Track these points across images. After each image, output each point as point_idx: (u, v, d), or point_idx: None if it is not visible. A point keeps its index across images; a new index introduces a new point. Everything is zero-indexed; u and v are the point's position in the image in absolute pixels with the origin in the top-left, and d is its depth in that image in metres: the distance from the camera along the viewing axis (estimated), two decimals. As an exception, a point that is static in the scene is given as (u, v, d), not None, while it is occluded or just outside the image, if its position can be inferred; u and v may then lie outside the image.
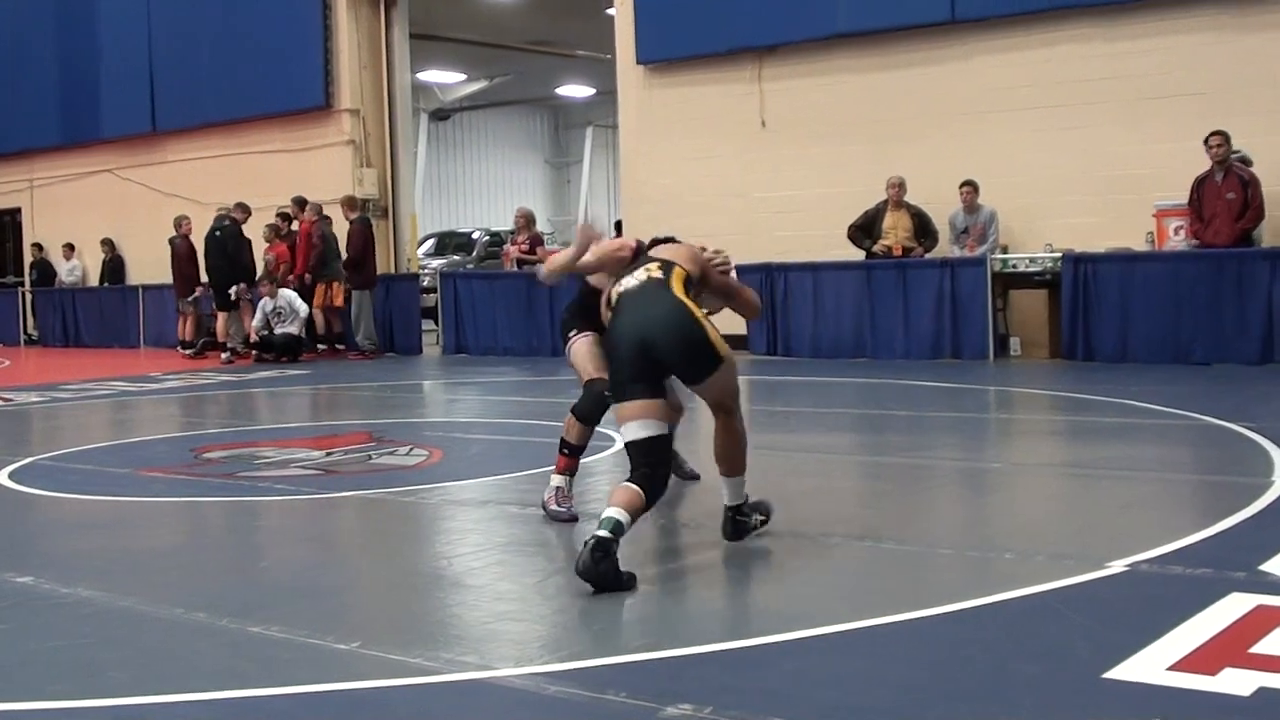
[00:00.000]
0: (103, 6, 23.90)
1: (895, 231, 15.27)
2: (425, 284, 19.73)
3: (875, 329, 15.03)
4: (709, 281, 5.94)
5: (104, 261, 23.90)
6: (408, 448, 9.08)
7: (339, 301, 18.43)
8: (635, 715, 3.66)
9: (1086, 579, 4.95)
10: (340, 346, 18.70)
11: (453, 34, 27.24)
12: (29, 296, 24.98)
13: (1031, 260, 14.46)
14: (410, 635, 4.54)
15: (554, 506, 6.42)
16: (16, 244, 26.81)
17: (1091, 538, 5.85)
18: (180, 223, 20.01)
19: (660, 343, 5.37)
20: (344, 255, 18.32)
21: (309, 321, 18.24)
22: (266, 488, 7.66)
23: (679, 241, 6.13)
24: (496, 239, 26.38)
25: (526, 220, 18.44)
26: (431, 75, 32.98)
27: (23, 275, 25.97)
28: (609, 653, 4.30)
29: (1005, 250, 14.85)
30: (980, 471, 8.19)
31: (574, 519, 6.31)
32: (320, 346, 18.63)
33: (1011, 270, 14.53)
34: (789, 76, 16.91)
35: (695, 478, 7.27)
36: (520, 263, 18.08)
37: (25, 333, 24.49)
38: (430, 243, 28.05)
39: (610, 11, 18.88)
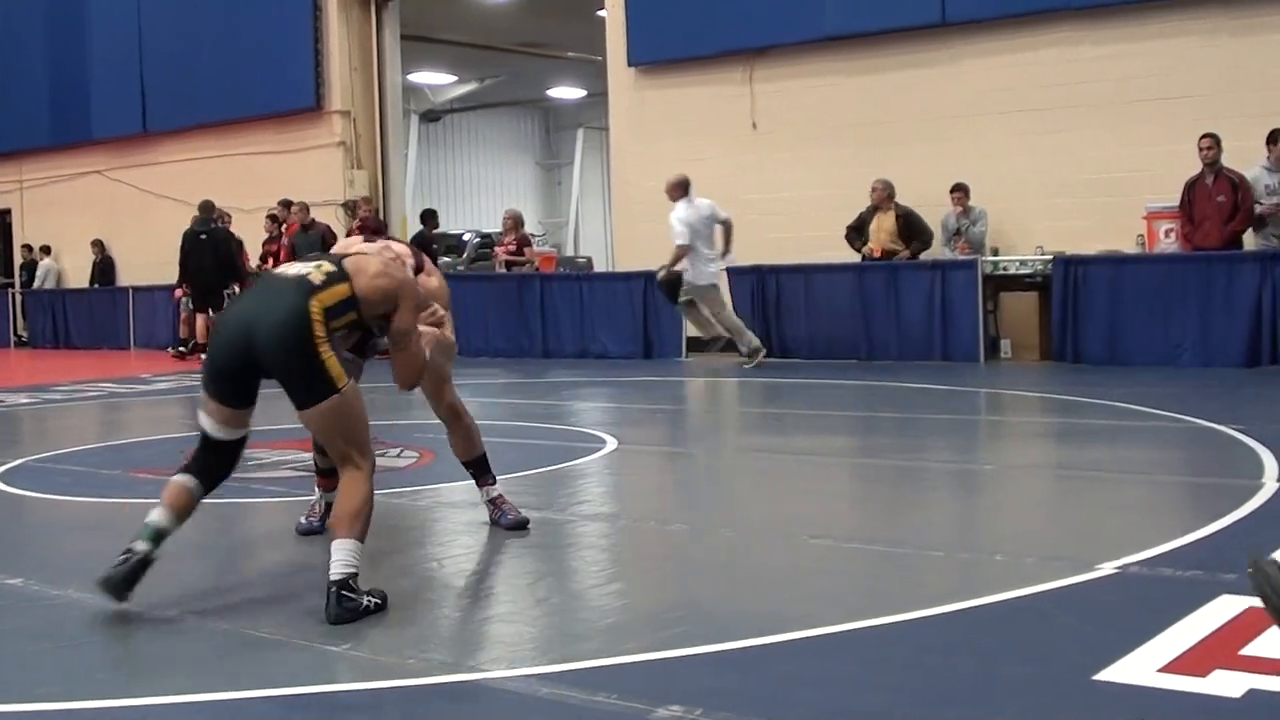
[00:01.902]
0: (93, 7, 23.84)
1: (879, 234, 15.29)
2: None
3: (868, 331, 15.02)
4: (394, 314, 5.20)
5: (94, 263, 23.86)
6: (398, 450, 9.07)
7: None
8: (626, 717, 3.66)
9: (1077, 581, 4.96)
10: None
11: (444, 35, 27.24)
12: (19, 298, 24.93)
13: (1022, 263, 14.46)
14: (401, 637, 4.54)
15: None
16: (6, 245, 26.76)
17: (1081, 540, 5.86)
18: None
19: (261, 339, 4.82)
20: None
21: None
22: (259, 489, 7.66)
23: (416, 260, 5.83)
24: (487, 241, 26.38)
25: (514, 222, 18.46)
26: (422, 77, 32.99)
27: (12, 276, 25.92)
28: (600, 655, 4.30)
29: (996, 253, 14.87)
30: (971, 473, 8.20)
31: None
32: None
33: (1002, 273, 14.53)
34: (780, 78, 16.93)
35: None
36: (509, 265, 18.10)
37: (15, 334, 24.43)
38: (422, 244, 28.05)
39: (601, 13, 18.88)
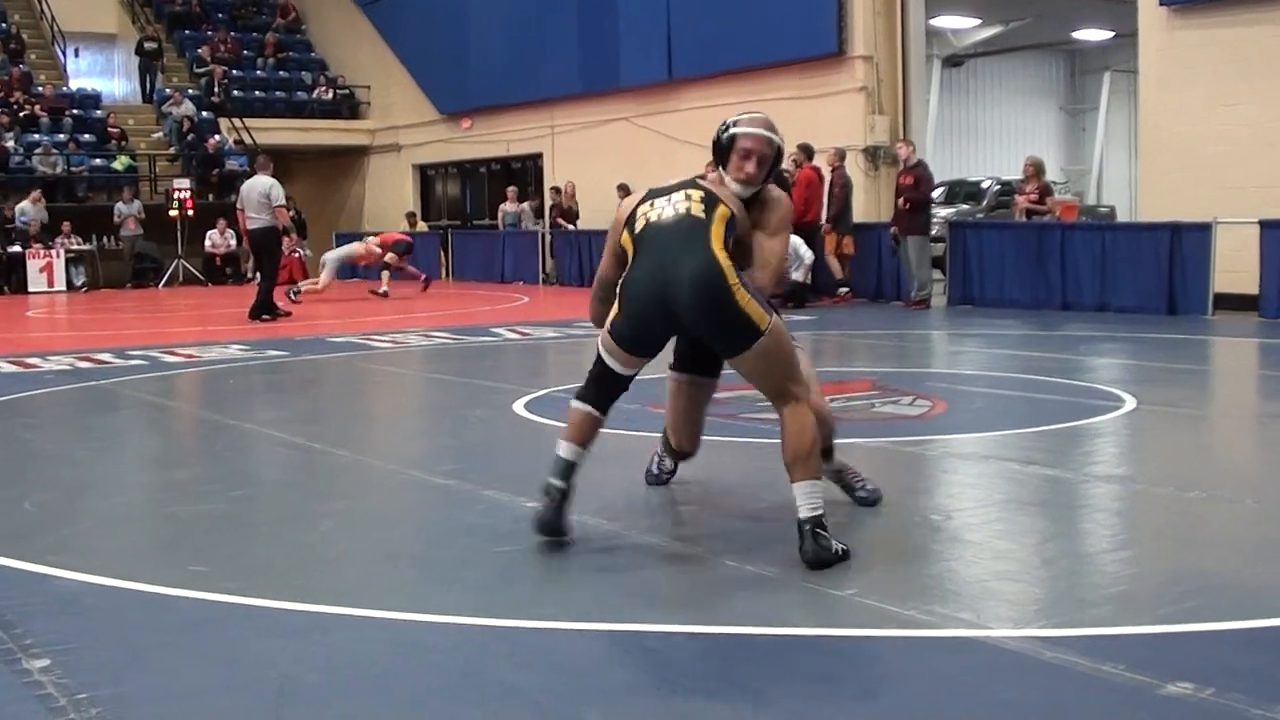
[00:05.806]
0: (624, -42, 24.80)
1: None
2: (934, 233, 19.52)
3: None
4: (743, 238, 5.13)
5: (620, 206, 24.78)
6: (911, 398, 9.04)
7: (849, 250, 18.60)
8: (1133, 689, 3.53)
9: None
10: (843, 292, 18.80)
11: (969, -22, 26.80)
12: (548, 238, 26.13)
13: None
14: (905, 587, 4.53)
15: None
16: (538, 187, 28.21)
17: None
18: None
19: (680, 305, 4.82)
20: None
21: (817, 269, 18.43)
22: (768, 429, 7.76)
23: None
24: (1007, 188, 25.84)
25: (1036, 170, 17.98)
26: (945, 21, 32.54)
27: (542, 217, 27.18)
28: (1108, 623, 4.16)
29: None
30: None
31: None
32: (842, 290, 18.75)
33: None
34: (1327, 16, 15.72)
35: (871, 502, 5.75)
36: (1029, 214, 17.67)
37: (543, 272, 25.67)
38: (939, 191, 27.79)
39: (1133, -49, 18.10)
